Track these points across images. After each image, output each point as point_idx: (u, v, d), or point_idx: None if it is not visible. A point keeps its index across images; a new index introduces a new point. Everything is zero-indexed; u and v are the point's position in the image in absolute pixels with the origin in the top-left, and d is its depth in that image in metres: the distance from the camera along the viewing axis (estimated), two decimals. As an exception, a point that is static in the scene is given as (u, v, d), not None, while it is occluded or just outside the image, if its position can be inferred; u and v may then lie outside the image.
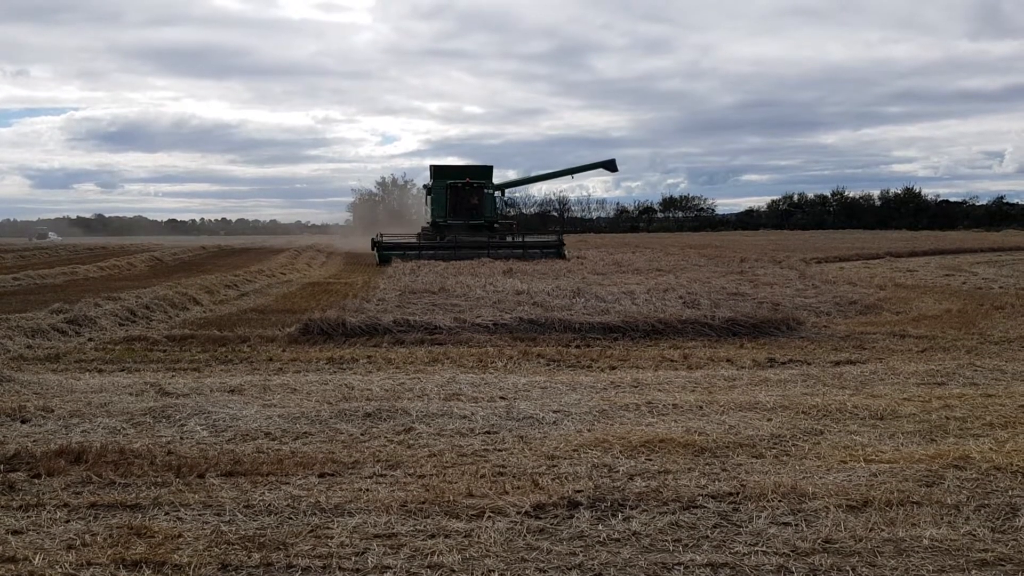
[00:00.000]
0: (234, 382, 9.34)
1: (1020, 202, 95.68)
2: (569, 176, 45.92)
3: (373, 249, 35.59)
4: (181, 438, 6.96)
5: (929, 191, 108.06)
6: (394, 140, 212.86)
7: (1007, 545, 4.63)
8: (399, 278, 23.43)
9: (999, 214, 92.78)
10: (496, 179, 42.21)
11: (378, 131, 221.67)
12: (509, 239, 37.48)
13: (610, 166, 43.77)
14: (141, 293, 18.26)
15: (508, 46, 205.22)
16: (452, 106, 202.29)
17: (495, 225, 39.06)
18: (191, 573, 4.39)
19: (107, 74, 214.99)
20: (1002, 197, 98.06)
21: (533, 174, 50.81)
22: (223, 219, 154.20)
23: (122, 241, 79.65)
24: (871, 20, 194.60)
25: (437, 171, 40.56)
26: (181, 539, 4.81)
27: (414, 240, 37.48)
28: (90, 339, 13.08)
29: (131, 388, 8.95)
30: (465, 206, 38.41)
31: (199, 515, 5.20)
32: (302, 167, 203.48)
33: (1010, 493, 5.42)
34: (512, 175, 41.26)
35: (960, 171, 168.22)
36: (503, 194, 43.69)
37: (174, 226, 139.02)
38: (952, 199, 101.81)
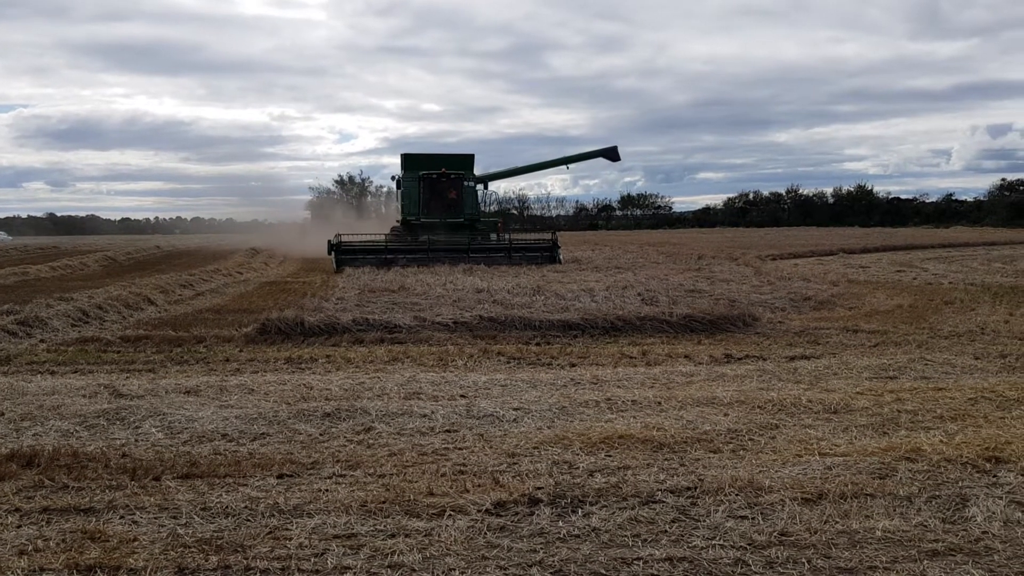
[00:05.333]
0: (190, 383, 9.22)
1: (968, 199, 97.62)
2: (565, 166, 38.56)
3: (329, 253, 29.41)
4: (136, 440, 6.86)
5: (880, 189, 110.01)
6: (351, 138, 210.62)
7: (957, 535, 4.75)
8: (358, 276, 23.33)
9: (948, 211, 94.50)
10: None
11: (335, 129, 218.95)
12: (494, 237, 32.42)
13: (611, 155, 37.70)
14: (94, 293, 17.95)
15: (464, 43, 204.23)
16: (410, 104, 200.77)
17: (477, 224, 33.20)
18: (147, 577, 4.33)
19: (56, 70, 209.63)
20: (951, 194, 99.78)
21: (520, 165, 41.69)
22: (178, 218, 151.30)
23: (75, 241, 78.14)
24: (819, 20, 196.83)
25: (408, 160, 33.86)
26: (136, 543, 4.74)
27: (382, 240, 31.34)
28: (41, 340, 12.82)
29: (84, 390, 8.79)
30: (442, 202, 32.53)
31: (155, 518, 5.13)
32: (258, 165, 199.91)
33: (960, 484, 5.56)
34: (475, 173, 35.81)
35: (910, 169, 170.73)
36: (486, 187, 37.22)
37: (128, 225, 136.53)
38: (903, 196, 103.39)
